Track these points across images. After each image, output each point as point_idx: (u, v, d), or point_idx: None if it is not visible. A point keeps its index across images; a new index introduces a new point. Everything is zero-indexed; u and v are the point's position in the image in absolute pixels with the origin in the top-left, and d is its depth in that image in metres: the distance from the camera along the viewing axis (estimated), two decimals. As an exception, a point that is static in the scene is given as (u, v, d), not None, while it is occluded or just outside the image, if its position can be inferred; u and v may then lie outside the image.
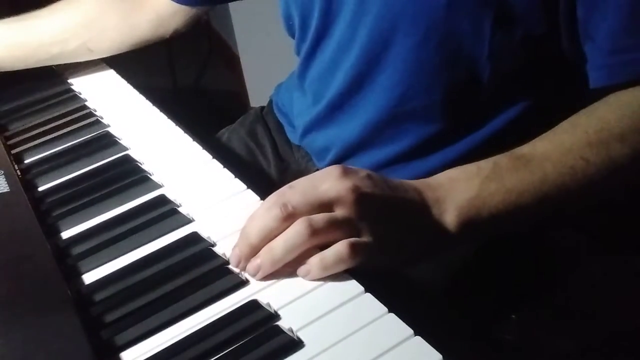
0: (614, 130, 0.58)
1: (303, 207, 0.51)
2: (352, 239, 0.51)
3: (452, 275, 0.72)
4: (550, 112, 0.63)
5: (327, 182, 0.53)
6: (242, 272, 0.53)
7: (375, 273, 0.54)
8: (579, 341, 0.72)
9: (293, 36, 0.82)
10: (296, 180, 0.54)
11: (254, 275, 0.52)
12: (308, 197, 0.52)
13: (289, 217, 0.51)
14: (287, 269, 0.52)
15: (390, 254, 0.54)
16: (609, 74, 0.62)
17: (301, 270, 0.51)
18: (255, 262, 0.52)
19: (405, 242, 0.54)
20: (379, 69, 0.70)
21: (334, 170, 0.53)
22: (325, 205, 0.52)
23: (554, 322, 0.73)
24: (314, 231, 0.50)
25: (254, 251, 0.52)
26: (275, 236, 0.51)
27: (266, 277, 0.52)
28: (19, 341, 0.48)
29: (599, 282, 0.75)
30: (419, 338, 0.45)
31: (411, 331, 0.45)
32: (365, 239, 0.52)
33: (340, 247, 0.50)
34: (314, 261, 0.51)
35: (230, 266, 0.53)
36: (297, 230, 0.50)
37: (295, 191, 0.53)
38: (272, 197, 0.53)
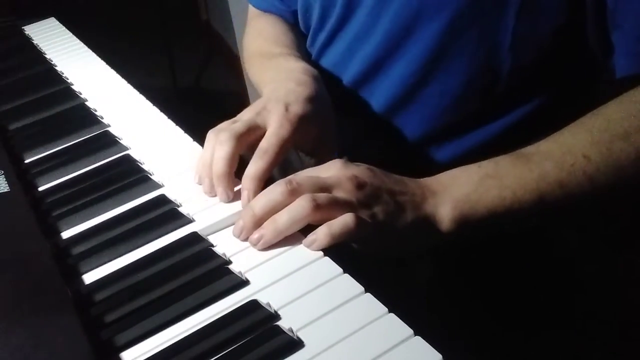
0: (618, 129, 0.58)
1: (307, 186, 0.54)
2: (357, 214, 0.53)
3: (452, 275, 0.73)
4: (566, 109, 0.63)
5: (329, 171, 0.56)
6: (242, 272, 0.53)
7: (369, 256, 0.56)
8: (579, 341, 0.72)
9: (306, 29, 0.82)
10: (301, 170, 0.58)
11: (255, 245, 0.54)
12: (312, 179, 0.55)
13: (293, 193, 0.54)
14: (288, 268, 0.52)
15: (386, 239, 0.55)
16: (637, 60, 0.62)
17: (307, 240, 0.53)
18: (259, 232, 0.54)
19: (401, 230, 0.55)
20: (397, 56, 0.70)
21: (337, 161, 0.57)
22: (327, 190, 0.55)
23: (554, 322, 0.73)
24: (317, 205, 0.52)
25: (258, 223, 0.54)
26: (279, 210, 0.54)
27: (266, 277, 0.52)
28: (18, 341, 0.48)
29: (599, 281, 0.75)
30: (419, 338, 0.45)
31: (411, 331, 0.45)
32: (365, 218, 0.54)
33: (347, 217, 0.52)
34: (321, 230, 0.53)
35: (230, 266, 0.54)
36: (301, 203, 0.53)
37: (300, 175, 0.56)
38: (279, 181, 0.55)
